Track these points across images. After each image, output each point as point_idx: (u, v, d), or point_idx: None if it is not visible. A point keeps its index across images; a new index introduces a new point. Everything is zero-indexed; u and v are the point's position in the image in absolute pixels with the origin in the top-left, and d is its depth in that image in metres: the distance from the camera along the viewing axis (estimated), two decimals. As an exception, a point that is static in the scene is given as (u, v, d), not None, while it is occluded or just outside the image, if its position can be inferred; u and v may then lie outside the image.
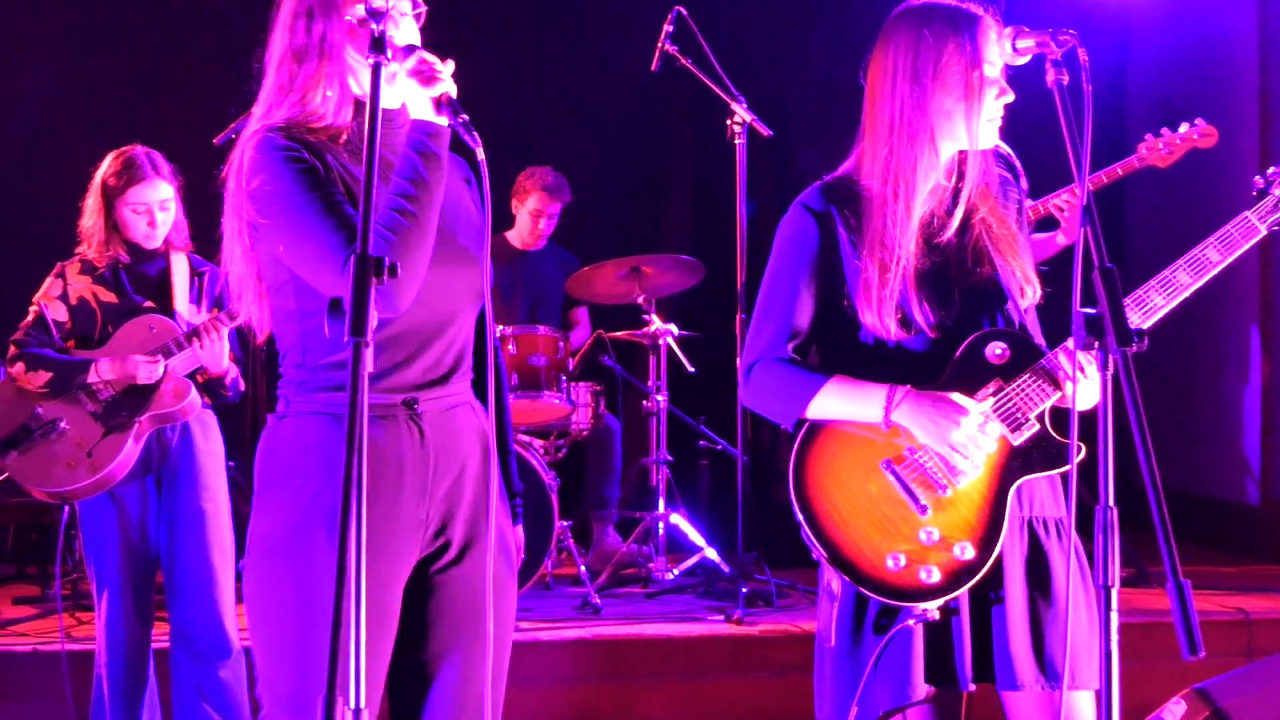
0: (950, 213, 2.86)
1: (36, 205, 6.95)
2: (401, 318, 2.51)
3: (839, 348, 2.91)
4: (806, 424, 2.86)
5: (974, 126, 2.80)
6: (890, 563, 2.76)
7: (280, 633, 2.53)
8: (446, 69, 2.47)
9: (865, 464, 2.82)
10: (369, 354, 1.84)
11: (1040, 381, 2.77)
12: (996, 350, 2.79)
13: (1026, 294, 2.89)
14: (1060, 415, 2.79)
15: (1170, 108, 5.25)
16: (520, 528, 2.92)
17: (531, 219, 7.00)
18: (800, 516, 2.81)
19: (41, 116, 7.50)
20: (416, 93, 2.47)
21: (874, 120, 2.87)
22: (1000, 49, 2.72)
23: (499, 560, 2.71)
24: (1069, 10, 7.58)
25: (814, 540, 2.81)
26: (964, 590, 2.75)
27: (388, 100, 2.49)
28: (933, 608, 2.74)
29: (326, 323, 1.91)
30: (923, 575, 2.74)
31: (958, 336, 2.81)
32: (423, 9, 2.64)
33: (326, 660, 2.35)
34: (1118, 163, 5.13)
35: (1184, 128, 5.14)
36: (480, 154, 2.45)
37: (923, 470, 2.79)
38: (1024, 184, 3.06)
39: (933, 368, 2.81)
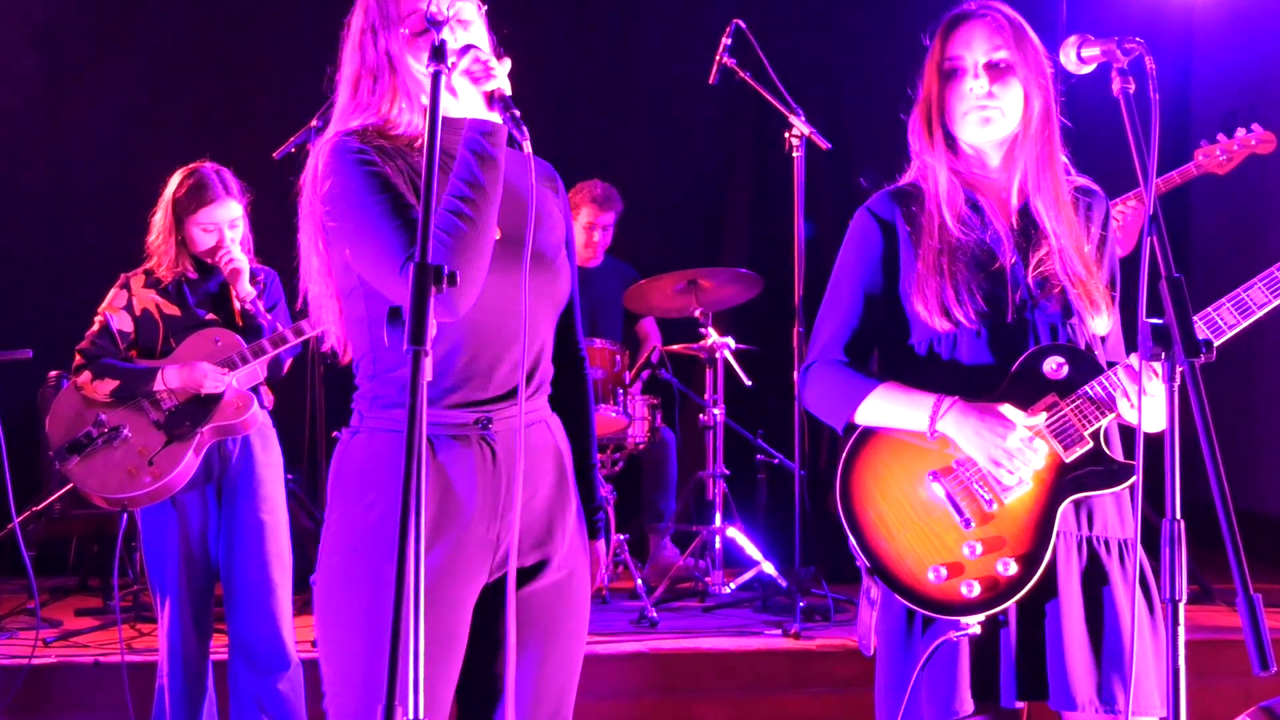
0: (1011, 220, 2.88)
1: (105, 220, 7.04)
2: (472, 329, 2.52)
3: (897, 354, 2.91)
4: (857, 430, 2.85)
5: (953, 120, 2.86)
6: (932, 575, 2.72)
7: (347, 648, 2.53)
8: (501, 67, 2.48)
9: (912, 474, 2.80)
10: (428, 363, 1.83)
11: (1096, 399, 2.73)
12: (1053, 365, 2.76)
13: (1099, 309, 2.84)
14: (1121, 434, 2.77)
15: (1235, 120, 5.17)
16: (600, 543, 2.88)
17: (585, 232, 7.02)
18: (845, 523, 2.80)
19: (111, 131, 7.59)
20: (469, 91, 2.47)
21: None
22: (1064, 56, 2.65)
23: (576, 578, 2.72)
24: (1132, 22, 7.52)
25: (857, 548, 2.79)
26: (1004, 607, 2.71)
27: (452, 108, 2.50)
28: (974, 623, 2.70)
29: (386, 331, 1.91)
30: (964, 590, 2.70)
31: (1011, 342, 2.79)
32: (484, 7, 2.66)
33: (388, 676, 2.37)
34: (1175, 170, 5.09)
35: (1241, 133, 5.09)
36: (527, 147, 2.44)
37: (969, 483, 2.76)
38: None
39: (989, 381, 2.78)
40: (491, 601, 2.62)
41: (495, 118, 2.47)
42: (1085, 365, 2.76)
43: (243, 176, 4.62)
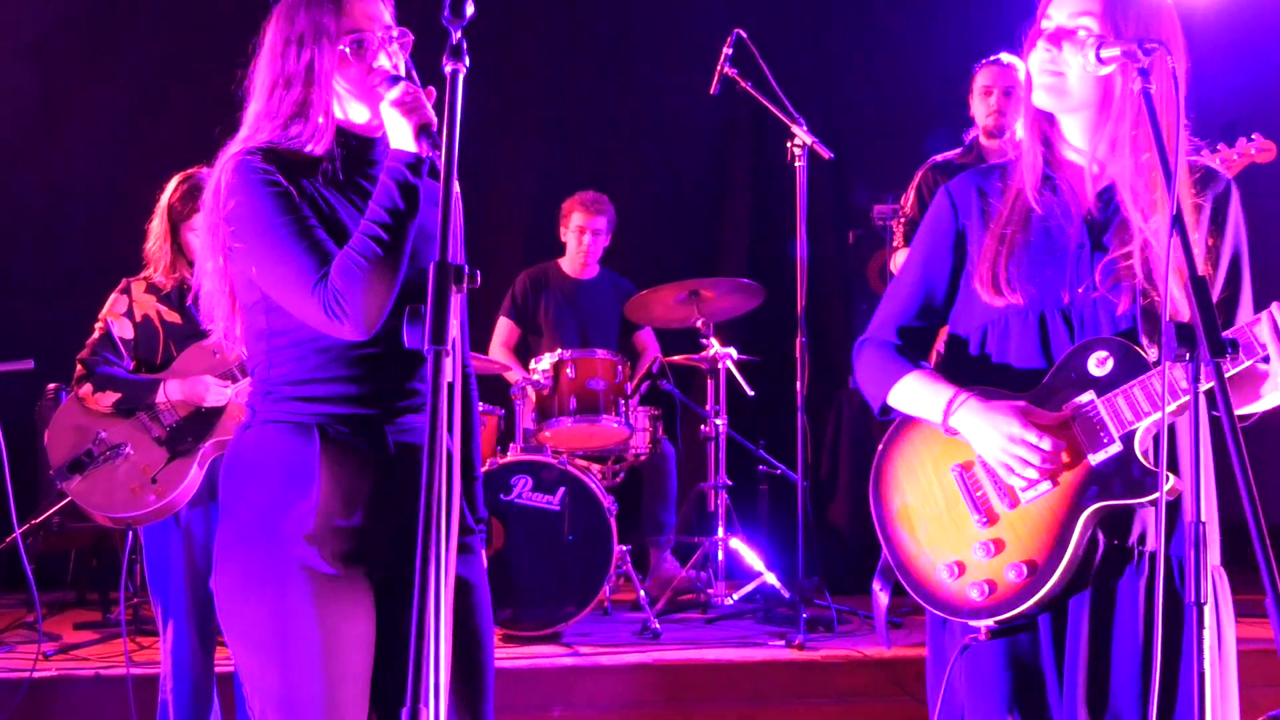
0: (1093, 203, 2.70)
1: (103, 231, 7.03)
2: (380, 341, 2.57)
3: (954, 339, 2.81)
4: (899, 417, 2.79)
5: (1028, 80, 2.71)
6: (945, 573, 2.63)
7: (258, 636, 2.56)
8: (428, 100, 2.55)
9: (938, 466, 2.71)
10: (449, 363, 1.82)
11: (1135, 400, 2.53)
12: (1098, 360, 2.58)
13: (1179, 308, 2.56)
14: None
15: (1234, 132, 5.19)
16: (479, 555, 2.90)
17: (576, 236, 7.04)
18: (873, 510, 2.75)
19: (107, 142, 7.58)
20: (398, 122, 2.54)
21: None
22: (1084, 59, 2.57)
23: (474, 582, 2.73)
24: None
25: (881, 537, 2.73)
26: (1013, 614, 2.55)
27: (357, 119, 2.65)
28: (982, 626, 2.58)
29: (405, 331, 1.90)
30: (972, 592, 2.59)
31: (1064, 329, 2.63)
32: (410, 38, 2.70)
33: (305, 657, 2.44)
34: None
35: (1241, 142, 5.10)
36: (455, 188, 2.45)
37: (990, 480, 2.64)
38: None
39: (1034, 374, 2.64)
40: (386, 600, 2.64)
41: (418, 149, 2.54)
42: (1133, 363, 2.56)
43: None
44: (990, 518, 2.63)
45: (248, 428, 2.68)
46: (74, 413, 4.48)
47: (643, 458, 6.70)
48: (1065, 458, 2.57)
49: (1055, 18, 2.65)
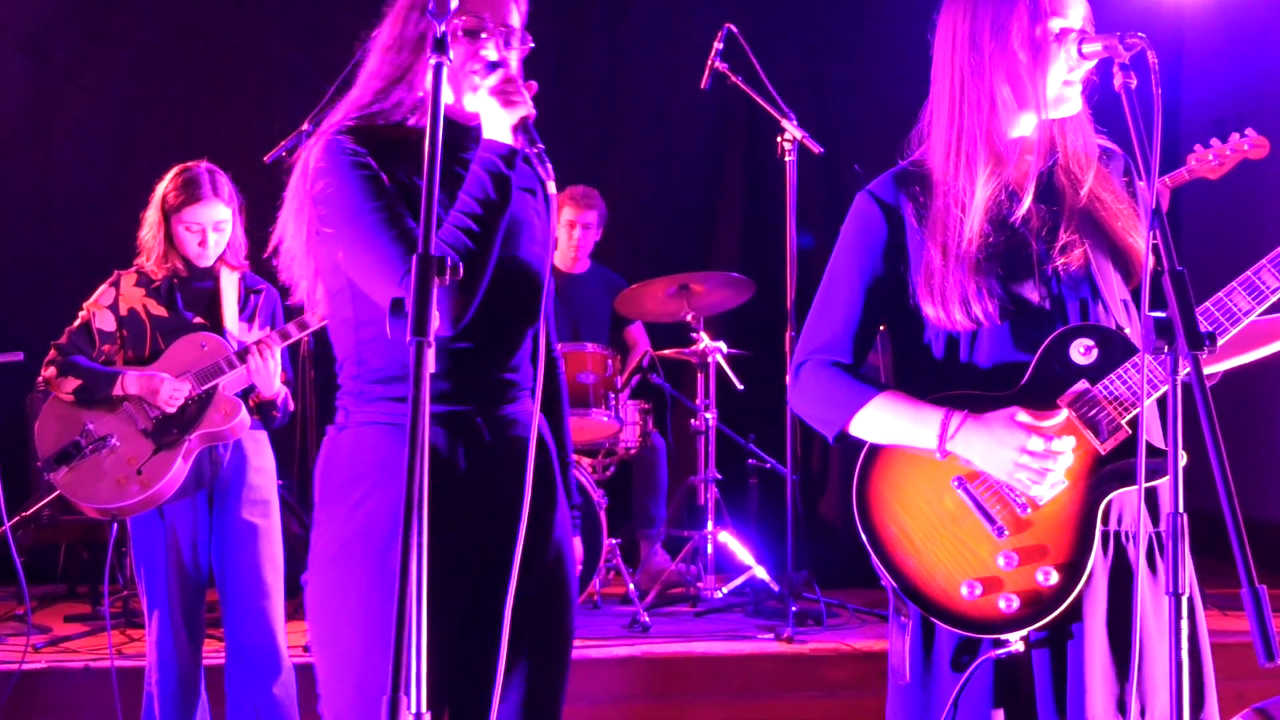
0: (1035, 191, 2.60)
1: (96, 224, 7.03)
2: (471, 334, 2.50)
3: (908, 350, 2.67)
4: (867, 443, 2.62)
5: (1041, 87, 2.55)
6: (965, 591, 2.50)
7: (343, 644, 2.49)
8: (528, 93, 2.47)
9: (935, 482, 2.56)
10: (430, 355, 1.81)
11: (1133, 382, 2.48)
12: (1081, 349, 2.51)
13: (1132, 278, 2.61)
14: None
15: (1224, 129, 5.20)
16: (578, 539, 2.87)
17: (566, 231, 7.03)
18: (866, 541, 2.57)
19: (101, 136, 7.58)
20: (496, 112, 2.47)
21: (936, 95, 2.66)
22: (1065, 54, 2.52)
23: (559, 572, 2.70)
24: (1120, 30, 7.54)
25: (882, 568, 2.56)
26: (1049, 620, 2.47)
27: (469, 108, 2.54)
28: (1015, 640, 2.48)
29: (389, 323, 1.89)
30: (1001, 604, 2.48)
31: (1038, 327, 2.55)
32: (530, 45, 2.65)
33: (389, 671, 2.36)
34: (1166, 175, 5.09)
35: (1235, 137, 5.10)
36: (551, 188, 2.41)
37: (999, 487, 2.52)
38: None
39: (1011, 371, 2.55)
40: (482, 597, 2.58)
41: (508, 139, 2.47)
42: (1117, 346, 2.52)
43: (245, 180, 4.60)
44: (1008, 526, 2.52)
45: (343, 429, 2.60)
46: (61, 405, 4.48)
47: (633, 451, 6.71)
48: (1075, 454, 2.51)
49: (1073, 15, 2.56)
